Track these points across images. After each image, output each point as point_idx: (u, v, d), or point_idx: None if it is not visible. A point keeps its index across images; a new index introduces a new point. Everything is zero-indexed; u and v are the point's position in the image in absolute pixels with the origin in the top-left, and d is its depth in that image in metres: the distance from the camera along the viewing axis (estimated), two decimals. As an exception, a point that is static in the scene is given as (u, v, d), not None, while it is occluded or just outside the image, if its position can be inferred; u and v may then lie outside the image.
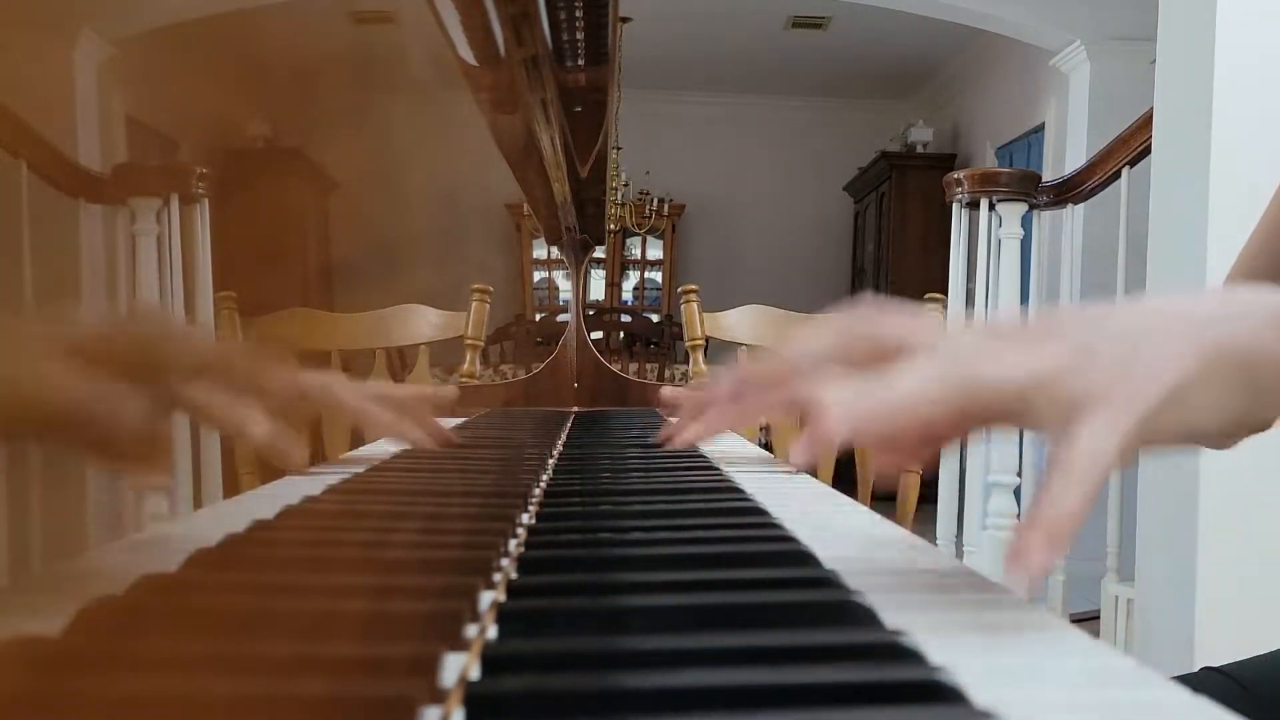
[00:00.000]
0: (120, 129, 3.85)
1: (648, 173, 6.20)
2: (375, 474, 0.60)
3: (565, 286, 5.96)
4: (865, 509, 0.54)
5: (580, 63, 0.63)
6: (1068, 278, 2.14)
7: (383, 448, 0.78)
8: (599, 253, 4.99)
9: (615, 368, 1.37)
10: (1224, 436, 0.35)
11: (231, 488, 1.93)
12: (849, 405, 0.33)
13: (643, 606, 0.29)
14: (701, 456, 0.71)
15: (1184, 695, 0.24)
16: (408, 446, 0.75)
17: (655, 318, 6.43)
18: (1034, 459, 2.14)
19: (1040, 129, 4.75)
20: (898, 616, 0.28)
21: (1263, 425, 0.35)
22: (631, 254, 6.99)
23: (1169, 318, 0.34)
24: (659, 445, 0.73)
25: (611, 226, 5.93)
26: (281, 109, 5.05)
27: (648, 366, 5.10)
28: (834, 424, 0.33)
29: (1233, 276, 0.71)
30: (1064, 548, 0.32)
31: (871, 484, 1.40)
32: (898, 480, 1.39)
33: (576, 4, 0.54)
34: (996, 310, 2.07)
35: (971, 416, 0.34)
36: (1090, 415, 0.32)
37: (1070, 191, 2.12)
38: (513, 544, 0.38)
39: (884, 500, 1.30)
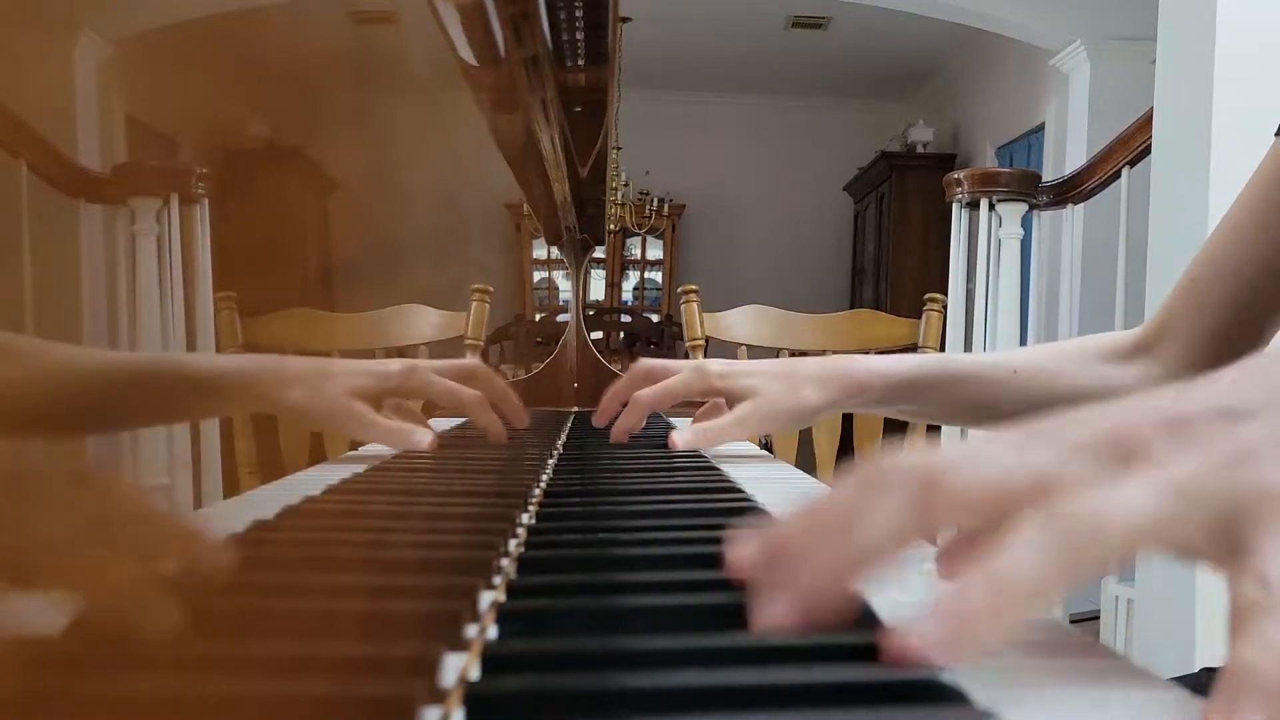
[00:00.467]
0: (120, 129, 3.85)
1: (648, 173, 6.20)
2: (375, 474, 0.60)
3: (565, 286, 5.97)
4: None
5: (580, 63, 0.63)
6: (1068, 278, 2.14)
7: (383, 447, 0.78)
8: (599, 253, 4.99)
9: (615, 368, 1.37)
10: None
11: (231, 488, 1.93)
12: (946, 620, 0.23)
13: (642, 606, 0.29)
14: (701, 456, 0.71)
15: (1184, 695, 0.24)
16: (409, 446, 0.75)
17: (655, 318, 6.43)
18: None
19: (1040, 129, 4.75)
20: (897, 616, 0.28)
21: None
22: (631, 254, 6.99)
23: None
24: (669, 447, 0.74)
25: (611, 226, 5.93)
26: (281, 109, 5.05)
27: (648, 366, 5.09)
28: (926, 648, 0.23)
29: (1196, 266, 0.71)
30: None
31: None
32: None
33: (576, 4, 0.54)
34: (996, 311, 2.07)
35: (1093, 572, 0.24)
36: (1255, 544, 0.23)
37: (1070, 191, 2.12)
38: (513, 544, 0.38)
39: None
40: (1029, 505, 0.25)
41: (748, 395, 0.74)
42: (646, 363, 0.80)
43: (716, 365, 0.77)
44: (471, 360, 0.76)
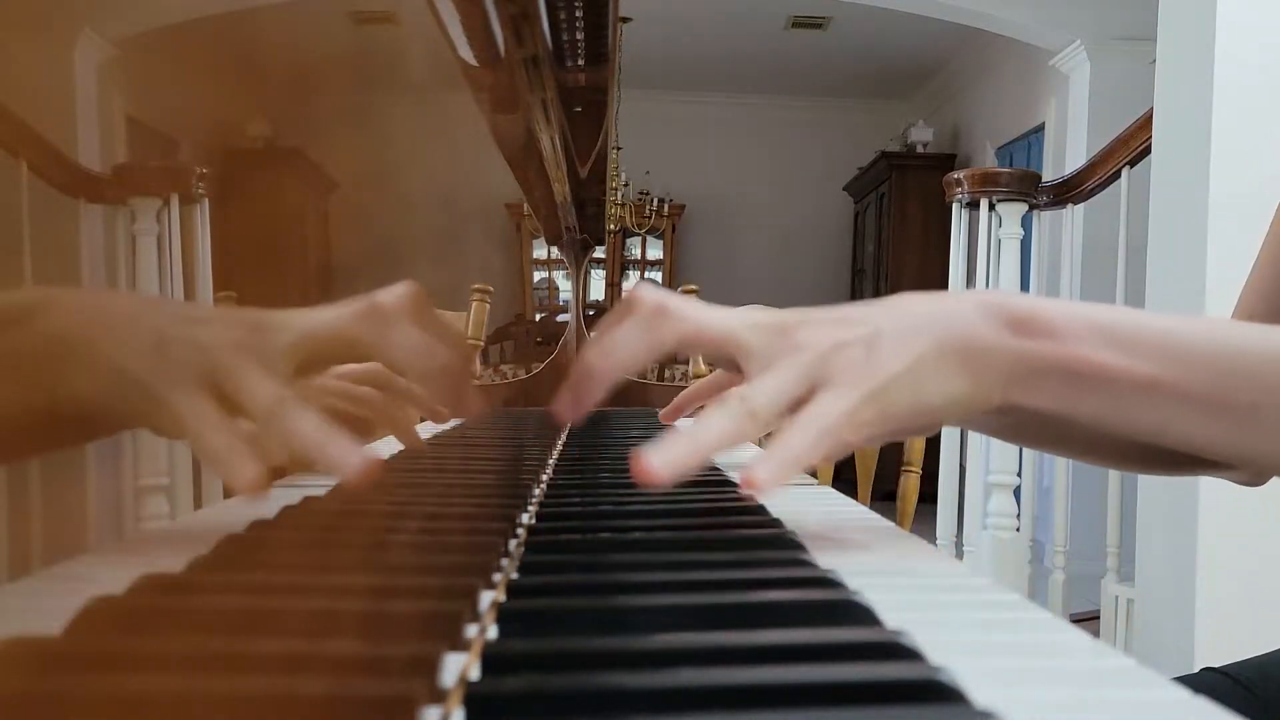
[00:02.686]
0: (120, 129, 3.85)
1: (648, 173, 6.20)
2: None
3: (565, 286, 5.97)
4: (865, 509, 0.54)
5: (580, 63, 0.63)
6: (1068, 278, 2.14)
7: (383, 447, 0.78)
8: (599, 253, 4.99)
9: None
10: (961, 416, 0.42)
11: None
12: (666, 452, 0.39)
13: (643, 606, 0.29)
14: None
15: (1184, 695, 0.24)
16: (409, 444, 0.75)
17: (655, 318, 6.41)
18: (1034, 459, 2.14)
19: (1040, 129, 4.75)
20: (898, 616, 0.28)
21: (987, 405, 0.41)
22: (631, 254, 6.99)
23: (914, 314, 0.42)
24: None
25: (611, 226, 5.93)
26: (281, 109, 5.05)
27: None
28: (655, 472, 0.39)
29: (1239, 314, 0.71)
30: (784, 479, 0.38)
31: (871, 484, 1.40)
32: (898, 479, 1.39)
33: (576, 4, 0.54)
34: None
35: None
36: (826, 390, 0.40)
37: (1070, 191, 2.12)
38: (513, 544, 0.38)
39: (884, 500, 1.30)
40: (721, 353, 0.43)
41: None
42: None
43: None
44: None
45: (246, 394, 0.39)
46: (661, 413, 0.77)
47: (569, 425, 0.41)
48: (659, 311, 0.42)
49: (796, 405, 0.40)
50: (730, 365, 0.44)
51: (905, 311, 0.42)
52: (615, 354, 0.42)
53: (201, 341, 0.40)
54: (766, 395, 0.40)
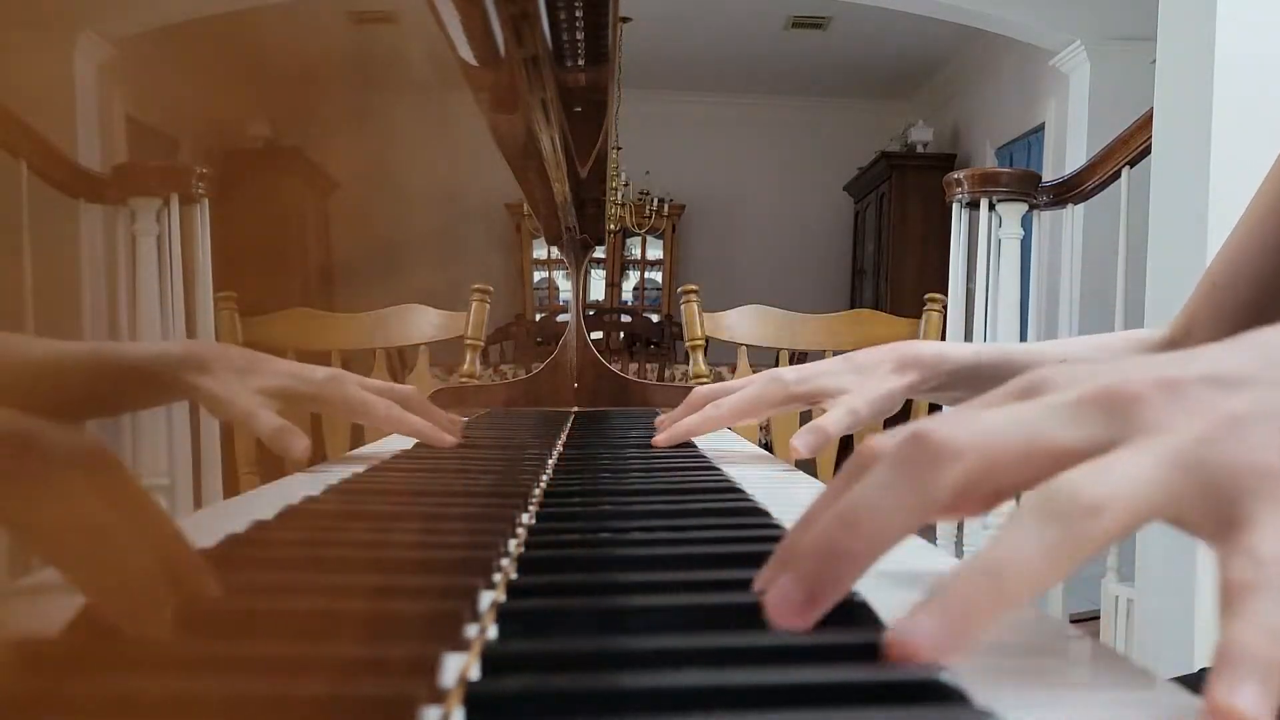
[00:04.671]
0: (120, 129, 3.85)
1: (648, 173, 6.20)
2: (375, 474, 0.60)
3: (565, 286, 5.97)
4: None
5: (580, 63, 0.63)
6: (1068, 278, 2.14)
7: (383, 447, 0.78)
8: (599, 253, 4.99)
9: (615, 368, 1.37)
10: None
11: (231, 488, 1.93)
12: (949, 611, 0.23)
13: (643, 606, 0.29)
14: (701, 456, 0.71)
15: (1184, 695, 0.24)
16: (412, 444, 0.75)
17: (655, 318, 6.43)
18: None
19: (1040, 129, 4.75)
20: (897, 615, 0.28)
21: None
22: (631, 254, 6.99)
23: None
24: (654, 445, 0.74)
25: (611, 226, 5.93)
26: (281, 109, 5.05)
27: (648, 366, 5.10)
28: (928, 645, 0.23)
29: (1225, 254, 0.71)
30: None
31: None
32: None
33: (576, 4, 0.54)
34: (996, 311, 2.07)
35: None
36: (1247, 510, 0.23)
37: (1070, 191, 2.12)
38: (513, 544, 0.38)
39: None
40: (1022, 469, 0.26)
41: (835, 394, 0.73)
42: (703, 389, 0.78)
43: (790, 373, 0.75)
44: (408, 387, 0.74)
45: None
46: (675, 427, 0.76)
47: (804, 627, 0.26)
48: (916, 448, 0.26)
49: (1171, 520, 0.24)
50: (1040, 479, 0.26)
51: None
52: (874, 529, 0.26)
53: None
54: (1113, 485, 0.24)
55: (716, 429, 0.76)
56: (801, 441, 0.70)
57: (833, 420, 0.71)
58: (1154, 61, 1.83)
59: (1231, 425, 0.24)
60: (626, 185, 5.98)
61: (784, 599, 0.26)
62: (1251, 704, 0.20)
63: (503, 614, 0.28)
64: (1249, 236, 0.68)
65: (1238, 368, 0.26)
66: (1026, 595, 0.23)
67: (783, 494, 0.58)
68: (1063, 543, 0.23)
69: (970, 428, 0.26)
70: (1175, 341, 0.75)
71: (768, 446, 1.47)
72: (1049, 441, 0.26)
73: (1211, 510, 0.24)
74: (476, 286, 1.60)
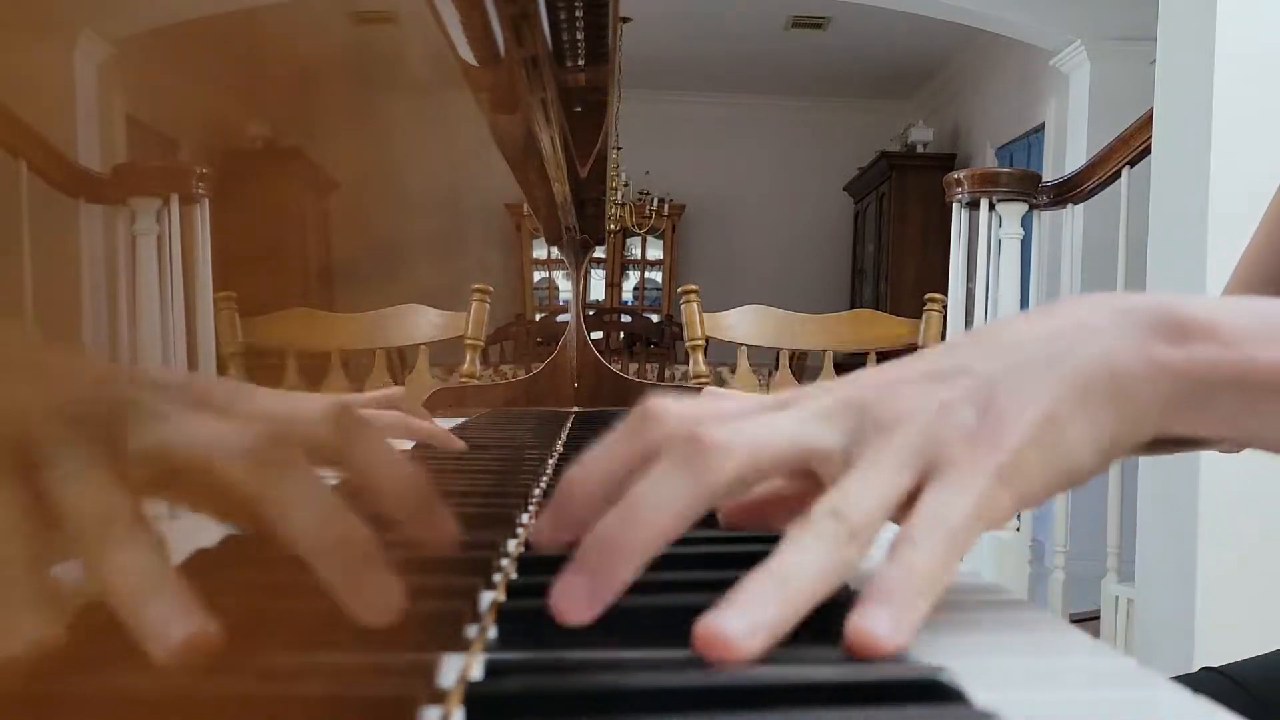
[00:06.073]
0: (120, 129, 3.85)
1: (648, 173, 6.21)
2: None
3: (565, 286, 5.97)
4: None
5: (580, 63, 0.63)
6: (1068, 278, 2.14)
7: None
8: (599, 253, 4.99)
9: (615, 368, 1.37)
10: (1102, 463, 0.31)
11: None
12: (747, 613, 0.26)
13: (643, 606, 0.29)
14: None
15: (1184, 695, 0.24)
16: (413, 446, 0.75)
17: (655, 318, 6.43)
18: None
19: (1040, 129, 4.75)
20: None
21: (1136, 443, 0.31)
22: (631, 254, 6.99)
23: (1028, 345, 0.31)
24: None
25: (611, 226, 5.93)
26: (281, 109, 5.05)
27: (648, 366, 5.10)
28: (735, 644, 0.26)
29: (1232, 288, 0.71)
30: (914, 625, 0.26)
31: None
32: None
33: (576, 4, 0.54)
34: (996, 311, 2.07)
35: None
36: (939, 479, 0.29)
37: (1070, 191, 2.12)
38: (513, 544, 0.38)
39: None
40: (781, 466, 0.31)
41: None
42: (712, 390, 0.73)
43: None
44: (396, 389, 0.72)
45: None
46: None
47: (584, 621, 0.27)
48: (693, 449, 0.29)
49: (904, 505, 0.29)
50: (804, 478, 0.33)
51: (1013, 344, 0.31)
52: (650, 521, 0.29)
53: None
54: (865, 502, 0.28)
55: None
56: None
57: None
58: (1154, 61, 1.83)
59: (942, 410, 0.30)
60: (626, 185, 5.98)
61: (569, 595, 0.27)
62: (885, 628, 0.26)
63: (503, 614, 0.28)
64: (1262, 253, 0.68)
65: (952, 362, 0.31)
66: (810, 602, 0.27)
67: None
68: (831, 560, 0.27)
69: (738, 433, 0.30)
70: None
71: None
72: (804, 446, 0.30)
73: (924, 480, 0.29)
74: (476, 286, 1.60)
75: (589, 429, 0.91)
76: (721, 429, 0.30)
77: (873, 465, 0.29)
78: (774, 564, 0.27)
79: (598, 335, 5.40)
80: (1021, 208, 2.08)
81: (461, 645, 0.26)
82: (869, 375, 0.32)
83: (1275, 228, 0.68)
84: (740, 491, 0.31)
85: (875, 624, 0.26)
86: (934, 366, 0.31)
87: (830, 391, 0.32)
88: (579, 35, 0.58)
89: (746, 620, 0.25)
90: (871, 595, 0.27)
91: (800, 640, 0.26)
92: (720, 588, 0.30)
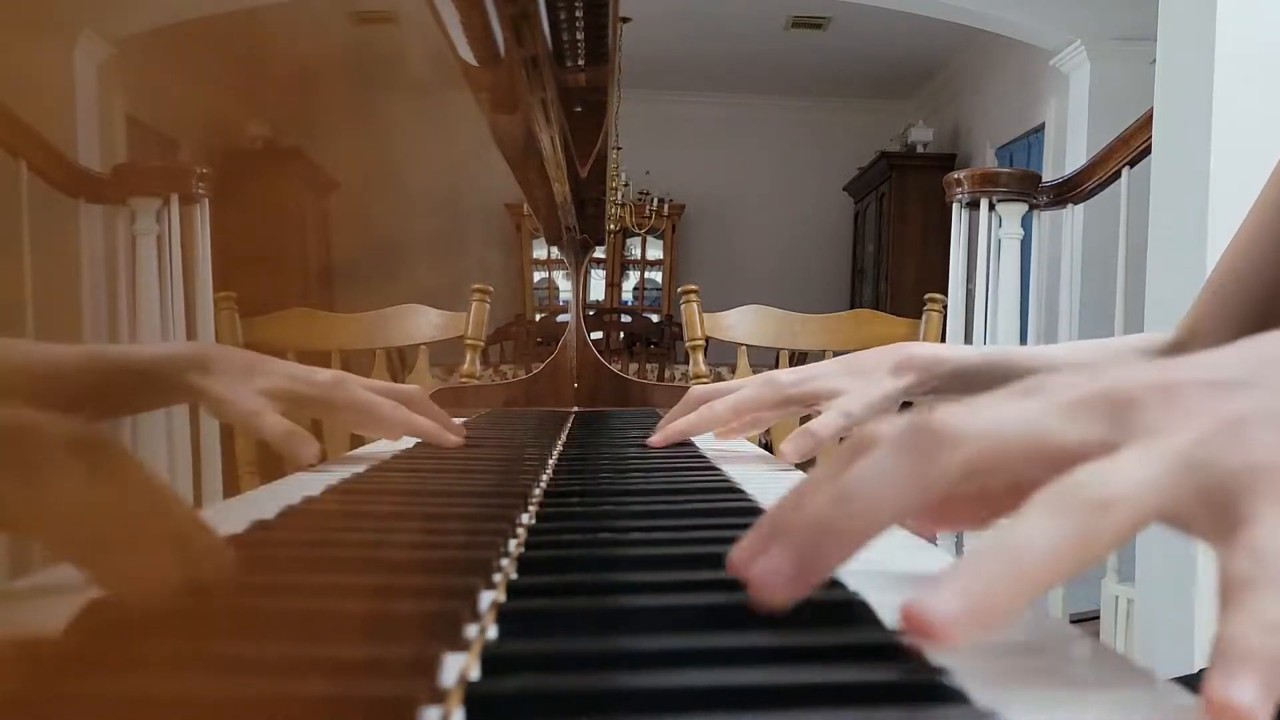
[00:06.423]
0: (120, 129, 3.85)
1: (648, 173, 6.21)
2: (375, 474, 0.60)
3: (565, 286, 5.97)
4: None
5: (580, 63, 0.63)
6: (1068, 278, 2.14)
7: (383, 447, 0.78)
8: (599, 253, 4.99)
9: (615, 368, 1.37)
10: None
11: (231, 488, 1.93)
12: (967, 588, 0.23)
13: (643, 606, 0.29)
14: (702, 456, 0.71)
15: (1184, 695, 0.24)
16: (411, 444, 0.75)
17: (655, 318, 6.43)
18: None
19: (1040, 129, 4.75)
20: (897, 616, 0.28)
21: None
22: (631, 254, 6.99)
23: None
24: (650, 445, 0.74)
25: (611, 226, 5.93)
26: (281, 109, 5.05)
27: (648, 366, 5.10)
28: (951, 623, 0.22)
29: (1219, 276, 0.71)
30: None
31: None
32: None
33: (576, 4, 0.54)
34: (996, 311, 2.07)
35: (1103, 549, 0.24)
36: (1248, 508, 0.23)
37: (1070, 191, 2.12)
38: (513, 544, 0.38)
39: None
40: (1021, 463, 0.26)
41: (831, 395, 0.73)
42: (700, 389, 0.77)
43: (785, 375, 0.74)
44: (412, 386, 0.73)
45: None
46: (670, 427, 0.75)
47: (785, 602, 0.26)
48: (921, 433, 0.26)
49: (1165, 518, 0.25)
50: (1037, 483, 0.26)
51: None
52: (868, 509, 0.26)
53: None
54: (1127, 484, 0.24)
55: (711, 430, 0.76)
56: (791, 446, 0.70)
57: (825, 423, 0.71)
58: (1154, 61, 1.83)
59: (1229, 427, 0.25)
60: (626, 185, 5.98)
61: (773, 571, 0.25)
62: (1249, 698, 0.20)
63: (503, 614, 0.28)
64: (1252, 239, 0.68)
65: (1235, 371, 0.26)
66: (1041, 583, 0.23)
67: (782, 487, 0.58)
68: (1074, 536, 0.23)
69: (974, 419, 0.26)
70: (1181, 345, 0.74)
71: (768, 447, 1.47)
72: (1050, 438, 0.26)
73: (1212, 510, 0.24)
74: (476, 286, 1.60)
75: (589, 429, 0.91)
76: (955, 413, 0.27)
77: (1138, 460, 0.24)
78: (1006, 537, 0.24)
79: (598, 335, 5.40)
80: (1021, 208, 2.08)
81: (461, 645, 0.26)
82: (1132, 371, 0.27)
83: (1265, 214, 0.68)
84: (971, 484, 0.26)
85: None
86: (1214, 372, 0.27)
87: (1090, 382, 0.27)
88: (579, 35, 0.58)
89: (963, 601, 0.22)
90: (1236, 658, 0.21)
91: (800, 640, 0.26)
92: (723, 588, 0.30)
